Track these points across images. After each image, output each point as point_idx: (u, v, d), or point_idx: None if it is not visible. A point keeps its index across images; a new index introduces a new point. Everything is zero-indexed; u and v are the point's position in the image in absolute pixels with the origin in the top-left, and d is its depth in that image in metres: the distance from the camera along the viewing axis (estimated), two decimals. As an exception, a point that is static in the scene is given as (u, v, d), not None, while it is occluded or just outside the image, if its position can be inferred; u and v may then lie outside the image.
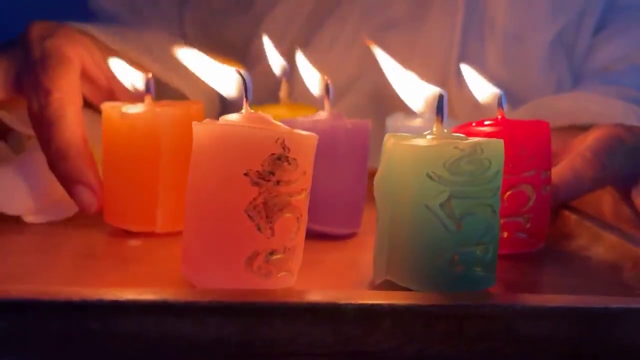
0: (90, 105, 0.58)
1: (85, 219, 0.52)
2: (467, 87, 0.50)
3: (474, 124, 0.48)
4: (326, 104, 0.52)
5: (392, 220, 0.40)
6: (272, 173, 0.38)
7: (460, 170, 0.38)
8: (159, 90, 0.58)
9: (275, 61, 0.61)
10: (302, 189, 0.39)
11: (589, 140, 0.58)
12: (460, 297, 0.36)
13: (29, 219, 0.53)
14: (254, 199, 0.38)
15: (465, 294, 0.37)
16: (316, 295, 0.36)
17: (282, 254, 0.39)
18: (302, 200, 0.39)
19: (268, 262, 0.39)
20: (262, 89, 0.68)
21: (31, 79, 0.53)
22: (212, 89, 0.44)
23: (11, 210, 0.53)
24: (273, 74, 0.61)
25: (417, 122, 0.58)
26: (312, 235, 0.48)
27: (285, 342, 0.34)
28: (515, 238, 0.48)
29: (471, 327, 0.35)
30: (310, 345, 0.34)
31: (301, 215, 0.39)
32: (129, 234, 0.51)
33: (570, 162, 0.55)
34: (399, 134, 0.41)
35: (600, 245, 0.49)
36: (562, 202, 0.55)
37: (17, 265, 0.45)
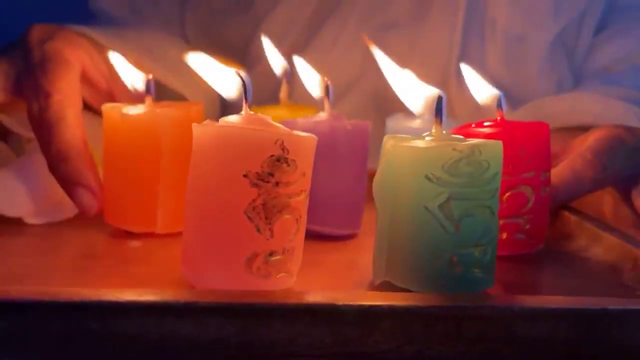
0: (90, 108, 0.59)
1: (86, 220, 0.52)
2: (467, 87, 0.50)
3: (473, 125, 0.48)
4: (326, 105, 0.52)
5: (391, 221, 0.40)
6: (271, 174, 0.38)
7: (459, 171, 0.38)
8: (159, 91, 0.58)
9: (276, 62, 0.61)
10: (301, 190, 0.39)
11: (589, 140, 0.58)
12: (459, 298, 0.36)
13: (29, 220, 0.54)
14: (253, 200, 0.38)
15: (463, 295, 0.37)
16: (315, 296, 0.36)
17: (281, 255, 0.39)
18: (301, 201, 0.39)
19: (267, 263, 0.39)
20: (263, 89, 0.68)
21: (31, 81, 0.53)
22: (213, 90, 0.44)
23: (11, 212, 0.53)
24: (273, 75, 0.61)
25: (417, 123, 0.58)
26: (312, 236, 0.49)
27: (285, 343, 0.34)
28: (514, 239, 0.48)
29: (470, 328, 0.35)
30: (309, 346, 0.35)
31: (300, 217, 0.39)
32: (129, 235, 0.51)
33: (570, 162, 0.55)
34: (398, 135, 0.41)
35: (599, 246, 0.49)
36: (562, 202, 0.55)
37: (18, 266, 0.45)
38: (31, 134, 0.54)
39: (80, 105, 0.53)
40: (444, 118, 0.40)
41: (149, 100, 0.51)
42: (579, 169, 0.55)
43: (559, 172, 0.54)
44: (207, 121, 0.41)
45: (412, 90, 0.44)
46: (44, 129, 0.51)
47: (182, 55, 0.45)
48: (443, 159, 0.38)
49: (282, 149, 0.38)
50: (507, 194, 0.47)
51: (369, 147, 0.52)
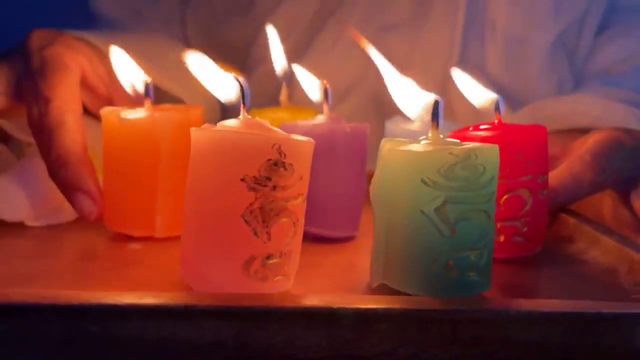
0: (89, 113, 0.59)
1: (85, 223, 0.52)
2: (463, 92, 0.50)
3: (470, 129, 0.48)
4: (325, 108, 0.53)
5: (388, 224, 0.40)
6: (268, 178, 0.38)
7: (455, 175, 0.38)
8: (159, 95, 0.58)
9: (278, 60, 0.60)
10: (299, 194, 0.39)
11: (589, 143, 0.58)
12: (455, 302, 0.36)
13: (29, 223, 0.54)
14: (251, 204, 0.38)
15: (459, 299, 0.37)
16: (312, 300, 0.36)
17: (279, 258, 0.39)
18: (298, 205, 0.40)
19: (264, 267, 0.39)
20: (263, 92, 0.68)
21: (31, 87, 0.53)
22: (213, 96, 0.44)
23: (11, 217, 0.53)
24: (274, 77, 0.61)
25: (416, 126, 0.58)
26: (310, 238, 0.49)
27: (281, 346, 0.35)
28: (512, 242, 0.48)
29: (466, 332, 0.35)
30: (306, 349, 0.35)
31: (297, 220, 0.40)
32: (128, 238, 0.51)
33: (569, 165, 0.55)
34: (395, 139, 0.41)
35: (597, 249, 0.49)
36: (560, 205, 0.55)
37: (18, 269, 0.45)
38: (31, 139, 0.54)
39: (80, 110, 0.53)
40: (440, 122, 0.41)
41: (148, 103, 0.51)
42: (577, 172, 0.55)
43: (557, 175, 0.54)
44: (205, 125, 0.41)
45: (409, 96, 0.44)
46: (44, 134, 0.51)
47: (182, 60, 0.45)
48: (439, 163, 0.38)
49: (279, 153, 0.38)
50: (505, 197, 0.47)
51: (369, 149, 0.53)
